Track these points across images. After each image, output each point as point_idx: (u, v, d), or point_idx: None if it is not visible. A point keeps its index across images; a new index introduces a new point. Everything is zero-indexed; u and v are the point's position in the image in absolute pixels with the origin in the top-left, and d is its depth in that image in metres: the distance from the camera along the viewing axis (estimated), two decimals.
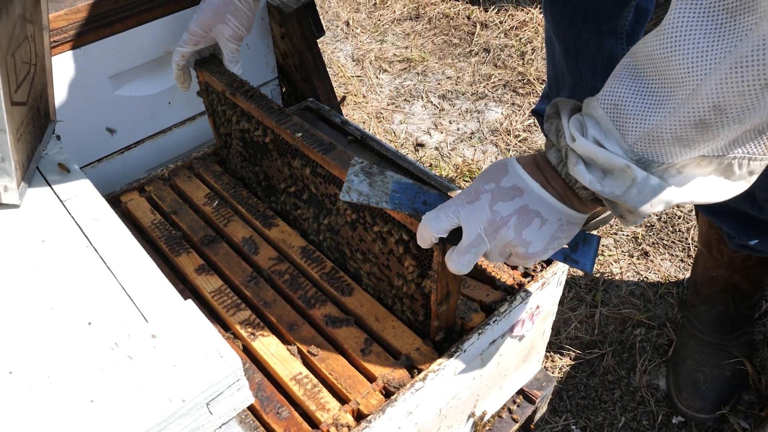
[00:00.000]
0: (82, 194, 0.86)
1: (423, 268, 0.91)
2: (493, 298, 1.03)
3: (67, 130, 1.30)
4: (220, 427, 0.59)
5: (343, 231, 1.07)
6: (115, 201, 1.29)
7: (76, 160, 0.98)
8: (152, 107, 1.42)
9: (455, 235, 0.76)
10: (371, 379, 0.93)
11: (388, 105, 2.34)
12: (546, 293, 1.07)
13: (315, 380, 0.93)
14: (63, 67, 1.23)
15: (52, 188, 0.86)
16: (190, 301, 0.63)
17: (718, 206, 1.28)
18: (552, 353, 1.52)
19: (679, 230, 1.79)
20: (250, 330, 1.01)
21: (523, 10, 2.71)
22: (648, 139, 0.63)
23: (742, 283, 1.40)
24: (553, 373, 1.48)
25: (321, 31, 1.56)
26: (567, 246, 0.82)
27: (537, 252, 0.74)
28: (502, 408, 1.23)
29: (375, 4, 2.92)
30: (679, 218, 1.82)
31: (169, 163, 1.50)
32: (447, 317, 0.94)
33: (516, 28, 2.62)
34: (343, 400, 0.91)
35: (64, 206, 0.83)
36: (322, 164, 1.03)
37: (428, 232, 0.76)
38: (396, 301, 1.02)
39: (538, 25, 2.62)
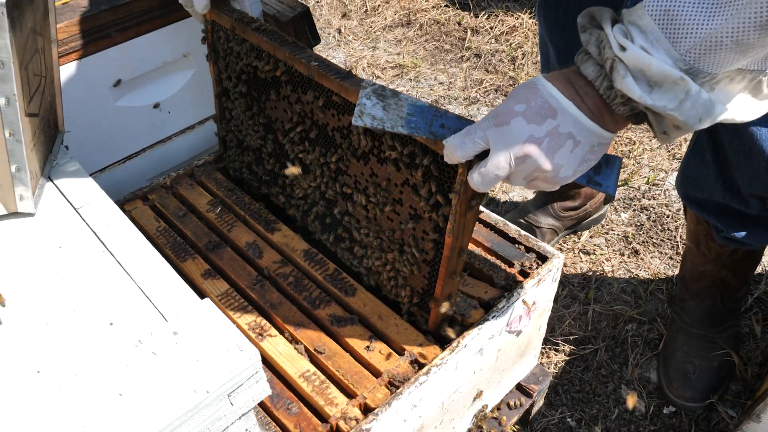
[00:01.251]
0: (95, 201, 0.89)
1: (443, 192, 0.88)
2: (491, 295, 1.07)
3: (69, 141, 1.33)
4: (240, 417, 0.62)
5: (351, 168, 1.04)
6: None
7: None
8: (152, 117, 1.45)
9: (480, 154, 0.73)
10: (376, 374, 0.97)
11: None
12: (541, 290, 1.11)
13: (323, 377, 0.96)
14: (65, 79, 1.26)
15: (65, 196, 0.89)
16: (207, 299, 0.67)
17: (706, 201, 1.33)
18: (547, 349, 1.56)
19: (668, 229, 1.84)
20: (257, 331, 1.04)
21: (513, 15, 2.77)
22: (704, 46, 0.60)
23: (728, 277, 1.45)
24: (549, 368, 1.53)
25: (316, 39, 1.60)
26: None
27: (566, 176, 0.72)
28: (501, 401, 1.27)
29: (366, 11, 2.97)
30: (668, 217, 1.88)
31: (170, 171, 1.53)
32: (462, 243, 0.91)
33: (506, 33, 2.68)
34: (350, 395, 0.94)
35: (78, 213, 0.86)
36: (339, 92, 0.99)
37: (454, 156, 0.74)
38: (403, 244, 1.00)
39: (528, 30, 2.68)
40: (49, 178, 0.95)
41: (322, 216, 1.17)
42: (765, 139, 1.13)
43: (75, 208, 0.87)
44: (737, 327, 1.51)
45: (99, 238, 0.82)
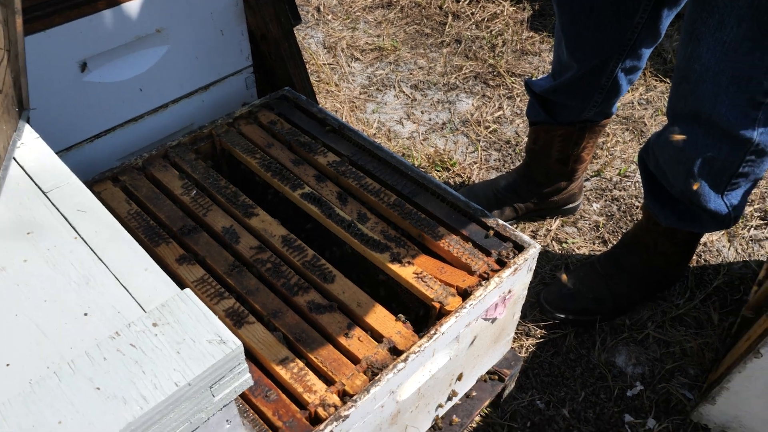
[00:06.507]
0: (65, 184, 0.85)
1: None
2: (468, 284, 1.08)
3: (34, 118, 1.27)
4: (221, 409, 0.62)
5: None
6: None
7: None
8: (123, 94, 1.40)
9: None
10: (355, 361, 0.97)
11: (361, 94, 2.36)
12: (517, 278, 1.13)
13: (301, 364, 0.96)
14: (29, 52, 1.20)
15: (32, 179, 0.86)
16: (188, 289, 0.65)
17: (647, 169, 1.45)
18: (519, 334, 1.60)
19: (637, 220, 1.89)
20: (235, 318, 1.03)
21: (494, 2, 2.76)
22: None
23: (654, 249, 1.55)
24: (520, 352, 1.56)
25: (297, 19, 1.57)
26: None
27: None
28: (475, 385, 1.30)
29: None
30: (637, 208, 1.92)
31: (142, 151, 1.48)
32: None
33: (487, 20, 2.67)
34: (329, 381, 0.95)
35: (47, 197, 0.83)
36: None
37: None
38: None
39: (509, 18, 2.67)
40: (14, 160, 0.91)
41: None
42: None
43: (43, 192, 0.84)
44: (633, 292, 1.60)
45: (70, 224, 0.79)
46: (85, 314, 0.66)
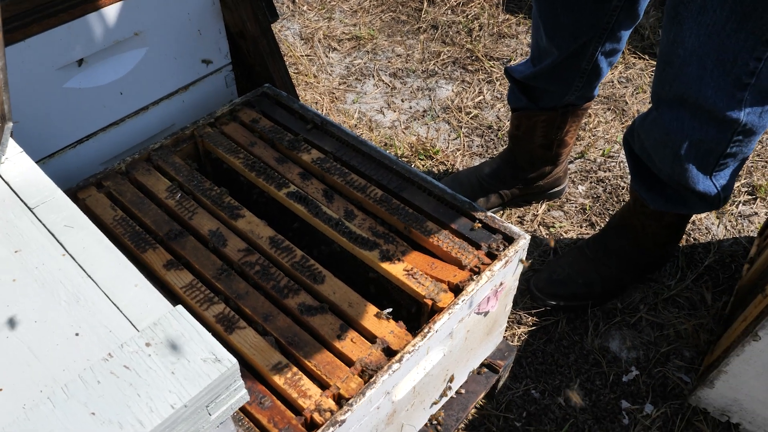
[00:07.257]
0: (51, 199, 0.84)
1: None
2: (460, 279, 1.09)
3: (15, 128, 1.25)
4: (217, 426, 0.62)
5: None
6: (72, 197, 1.26)
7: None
8: (104, 98, 1.38)
9: None
10: (349, 363, 0.97)
11: (340, 84, 2.34)
12: (508, 270, 1.14)
13: (294, 368, 0.96)
14: (8, 61, 1.17)
15: (17, 195, 0.84)
16: (180, 306, 0.65)
17: (633, 151, 1.46)
18: (511, 323, 1.61)
19: (624, 200, 1.91)
20: (226, 323, 1.03)
21: None
22: None
23: (640, 230, 1.56)
24: (512, 341, 1.58)
25: (274, 16, 1.54)
26: None
27: None
28: (469, 378, 1.31)
29: None
30: (623, 189, 1.94)
31: (125, 155, 1.46)
32: None
33: (462, 4, 2.65)
34: (323, 385, 0.95)
35: (34, 213, 0.81)
36: None
37: None
38: None
39: (484, 1, 2.65)
40: None
41: None
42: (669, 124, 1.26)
43: (29, 208, 0.82)
44: (623, 275, 1.61)
45: (57, 240, 0.78)
46: (77, 334, 0.66)
